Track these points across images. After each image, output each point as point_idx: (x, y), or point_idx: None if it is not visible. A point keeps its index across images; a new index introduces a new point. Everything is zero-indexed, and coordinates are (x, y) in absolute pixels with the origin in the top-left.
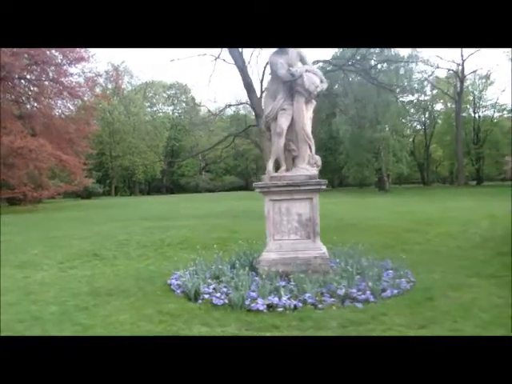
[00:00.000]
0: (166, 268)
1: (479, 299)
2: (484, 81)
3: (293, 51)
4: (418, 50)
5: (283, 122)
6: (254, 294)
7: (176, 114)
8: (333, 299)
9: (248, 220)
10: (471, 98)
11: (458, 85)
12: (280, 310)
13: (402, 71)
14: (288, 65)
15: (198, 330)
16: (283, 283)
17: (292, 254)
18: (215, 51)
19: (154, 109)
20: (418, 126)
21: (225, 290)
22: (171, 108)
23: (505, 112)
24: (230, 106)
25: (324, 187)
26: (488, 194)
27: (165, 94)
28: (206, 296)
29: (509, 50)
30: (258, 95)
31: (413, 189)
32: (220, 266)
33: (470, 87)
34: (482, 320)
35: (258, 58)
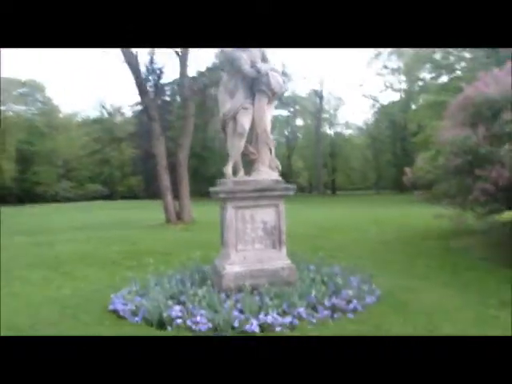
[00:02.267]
0: (86, 290)
1: (448, 300)
2: (338, 101)
3: (256, 49)
4: (286, 66)
5: (245, 122)
6: (238, 314)
7: (30, 115)
8: (326, 312)
9: (140, 230)
10: (327, 115)
11: (318, 102)
12: (278, 330)
13: None
14: (251, 62)
15: None
16: (257, 298)
17: (258, 266)
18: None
19: (3, 107)
20: (281, 139)
21: (200, 312)
22: (24, 108)
23: (354, 129)
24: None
25: (292, 192)
26: (351, 202)
27: (15, 92)
28: (179, 321)
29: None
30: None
31: None
32: (174, 284)
33: (326, 106)
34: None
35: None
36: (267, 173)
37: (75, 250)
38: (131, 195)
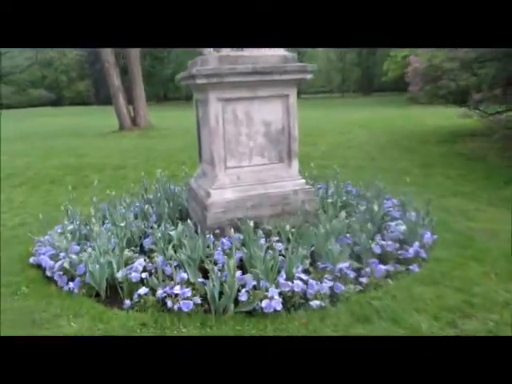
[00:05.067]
0: (7, 224)
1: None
2: None
3: None
4: None
5: None
6: (240, 276)
7: None
8: (382, 266)
9: (89, 139)
10: None
11: None
12: (315, 306)
13: None
14: None
15: None
16: (263, 242)
17: (259, 190)
18: None
19: None
20: None
21: (180, 275)
22: None
23: None
24: None
25: (310, 75)
26: (319, 105)
27: None
28: (143, 291)
29: None
30: None
31: None
32: (133, 219)
33: None
34: None
35: None
36: None
37: (2, 165)
38: (80, 101)
